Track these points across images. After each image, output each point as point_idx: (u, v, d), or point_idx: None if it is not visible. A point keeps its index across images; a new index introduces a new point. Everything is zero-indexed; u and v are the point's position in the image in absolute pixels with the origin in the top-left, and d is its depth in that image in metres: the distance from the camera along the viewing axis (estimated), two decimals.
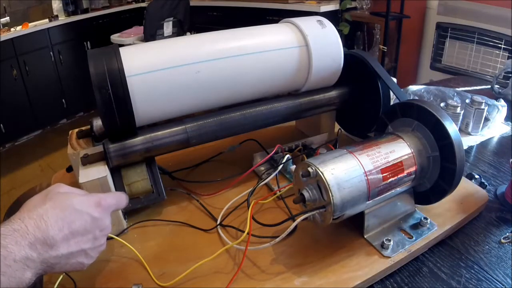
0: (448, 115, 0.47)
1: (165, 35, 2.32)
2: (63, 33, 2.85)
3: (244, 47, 0.55)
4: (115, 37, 2.57)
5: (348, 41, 2.53)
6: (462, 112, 0.77)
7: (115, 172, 0.52)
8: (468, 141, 0.77)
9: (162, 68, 0.50)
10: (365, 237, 0.49)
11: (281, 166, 0.59)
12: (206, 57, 0.52)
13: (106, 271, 0.46)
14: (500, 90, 0.99)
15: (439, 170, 0.48)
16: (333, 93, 0.65)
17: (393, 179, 0.46)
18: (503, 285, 0.43)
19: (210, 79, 0.53)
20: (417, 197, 0.53)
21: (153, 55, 0.51)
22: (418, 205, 0.53)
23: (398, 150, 0.48)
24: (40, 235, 0.32)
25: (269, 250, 0.48)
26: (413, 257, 0.48)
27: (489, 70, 1.90)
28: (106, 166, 0.49)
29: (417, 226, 0.50)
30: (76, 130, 0.58)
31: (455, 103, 0.77)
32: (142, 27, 2.29)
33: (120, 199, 0.44)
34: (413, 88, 0.91)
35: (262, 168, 0.63)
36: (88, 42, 3.02)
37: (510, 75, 0.97)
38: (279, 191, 0.57)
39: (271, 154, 0.60)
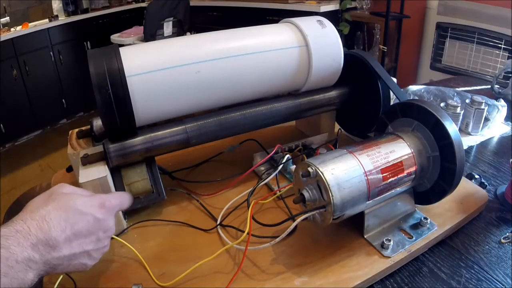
0: (448, 115, 0.47)
1: (165, 35, 2.32)
2: (63, 33, 2.85)
3: (244, 47, 0.55)
4: (115, 37, 2.57)
5: (348, 41, 2.53)
6: (462, 112, 0.77)
7: (115, 172, 0.52)
8: (468, 141, 0.77)
9: (162, 68, 0.50)
10: (365, 237, 0.49)
11: (281, 166, 0.59)
12: (206, 57, 0.52)
13: (106, 271, 0.46)
14: (500, 90, 0.99)
15: (439, 170, 0.48)
16: (333, 93, 0.65)
17: (393, 179, 0.46)
18: (503, 285, 0.43)
19: (210, 79, 0.53)
20: (417, 197, 0.53)
21: (153, 55, 0.51)
22: (418, 205, 0.53)
23: (398, 150, 0.48)
24: (42, 236, 0.32)
25: (269, 250, 0.48)
26: (413, 257, 0.48)
27: (489, 70, 1.90)
28: (106, 166, 0.49)
29: (417, 226, 0.50)
30: (76, 130, 0.58)
31: (455, 103, 0.77)
32: (142, 27, 2.29)
33: (123, 200, 0.44)
34: (413, 88, 0.91)
35: (262, 168, 0.63)
36: (88, 42, 3.02)
37: (510, 75, 0.97)
38: (279, 191, 0.57)
39: (271, 154, 0.60)
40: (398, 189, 0.48)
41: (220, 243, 0.50)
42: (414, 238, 0.48)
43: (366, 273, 0.44)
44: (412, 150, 0.48)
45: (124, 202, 0.44)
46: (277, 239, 0.44)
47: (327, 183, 0.41)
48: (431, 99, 0.86)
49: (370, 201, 0.45)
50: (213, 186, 0.60)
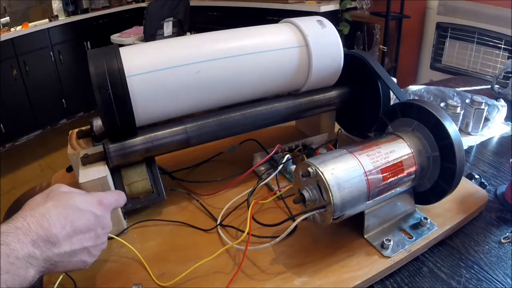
0: (448, 115, 0.48)
1: (165, 35, 2.32)
2: (63, 33, 2.85)
3: (244, 47, 0.55)
4: (115, 37, 2.57)
5: (348, 41, 2.53)
6: (462, 112, 0.77)
7: (115, 172, 0.52)
8: (468, 141, 0.77)
9: (162, 68, 0.50)
10: (365, 237, 0.49)
11: (281, 166, 0.59)
12: (206, 57, 0.52)
13: (106, 271, 0.46)
14: (500, 90, 0.99)
15: (439, 170, 0.48)
16: (333, 93, 0.65)
17: (393, 179, 0.46)
18: (503, 285, 0.43)
19: (210, 79, 0.53)
20: (417, 197, 0.53)
21: (153, 55, 0.51)
22: (418, 205, 0.53)
23: (398, 150, 0.48)
24: (42, 233, 0.32)
25: (269, 250, 0.48)
26: (413, 257, 0.48)
27: (489, 70, 1.90)
28: (106, 166, 0.49)
29: (417, 226, 0.50)
30: (76, 130, 0.58)
31: (455, 103, 0.77)
32: (142, 27, 2.29)
33: (119, 197, 0.44)
34: (413, 88, 0.91)
35: (262, 168, 0.63)
36: (88, 42, 3.02)
37: (510, 75, 0.97)
38: (279, 191, 0.57)
39: (271, 154, 0.60)
40: (398, 189, 0.48)
41: (220, 243, 0.50)
42: (414, 238, 0.48)
43: (366, 273, 0.44)
44: (412, 150, 0.48)
45: (120, 200, 0.44)
46: (277, 239, 0.44)
47: (327, 183, 0.41)
48: (431, 99, 0.86)
49: (370, 201, 0.45)
50: (213, 186, 0.60)
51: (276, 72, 0.57)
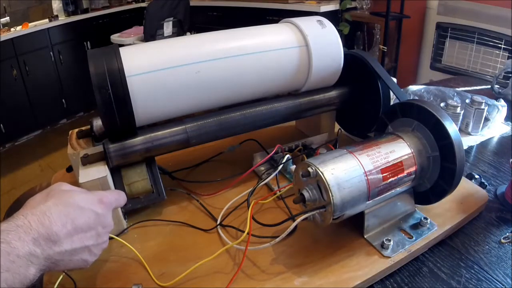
0: (448, 115, 0.48)
1: (165, 35, 2.32)
2: (63, 33, 2.85)
3: (244, 47, 0.55)
4: (115, 37, 2.57)
5: (348, 41, 2.53)
6: (462, 112, 0.77)
7: (115, 172, 0.52)
8: (468, 141, 0.77)
9: (162, 68, 0.50)
10: (365, 237, 0.49)
11: (281, 166, 0.59)
12: (206, 57, 0.52)
13: (106, 271, 0.46)
14: (500, 90, 0.99)
15: (439, 170, 0.48)
16: (333, 93, 0.65)
17: (393, 179, 0.46)
18: (503, 285, 0.43)
19: (210, 79, 0.53)
20: (417, 197, 0.53)
21: (153, 55, 0.51)
22: (418, 205, 0.53)
23: (398, 150, 0.48)
24: (43, 231, 0.32)
25: (269, 250, 0.48)
26: (413, 257, 0.48)
27: (489, 70, 1.90)
28: (106, 166, 0.49)
29: (417, 226, 0.50)
30: (76, 130, 0.58)
31: (455, 103, 0.77)
32: (142, 27, 2.29)
33: (119, 197, 0.44)
34: (413, 88, 0.91)
35: (262, 168, 0.63)
36: (88, 42, 3.02)
37: (510, 75, 0.97)
38: (279, 191, 0.57)
39: (271, 154, 0.60)
40: (398, 189, 0.48)
41: (220, 243, 0.50)
42: (414, 238, 0.48)
43: (366, 273, 0.44)
44: (412, 150, 0.48)
45: (121, 199, 0.44)
46: (277, 239, 0.44)
47: (327, 183, 0.41)
48: (431, 99, 0.86)
49: (370, 201, 0.45)
50: (213, 186, 0.60)
51: (276, 72, 0.57)
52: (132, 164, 0.54)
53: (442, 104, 0.79)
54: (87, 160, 0.49)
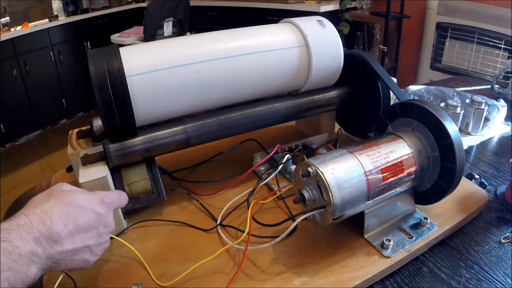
0: (448, 115, 0.48)
1: (165, 35, 2.32)
2: (63, 33, 2.85)
3: (244, 47, 0.55)
4: (115, 37, 2.57)
5: (348, 41, 2.53)
6: (462, 112, 0.77)
7: (115, 172, 0.52)
8: (468, 141, 0.77)
9: (162, 68, 0.50)
10: (365, 237, 0.49)
11: (281, 166, 0.59)
12: (206, 57, 0.52)
13: (106, 271, 0.46)
14: (500, 90, 0.99)
15: (439, 170, 0.48)
16: (333, 93, 0.65)
17: (393, 179, 0.46)
18: (503, 285, 0.43)
19: (210, 79, 0.53)
20: (417, 197, 0.53)
21: (153, 55, 0.51)
22: (418, 205, 0.53)
23: (398, 150, 0.48)
24: (45, 230, 0.32)
25: (269, 250, 0.48)
26: (413, 257, 0.48)
27: (489, 70, 1.90)
28: (106, 166, 0.49)
29: (417, 226, 0.50)
30: (76, 130, 0.58)
31: (455, 103, 0.77)
32: (142, 27, 2.29)
33: (121, 197, 0.44)
34: (413, 88, 0.91)
35: (262, 168, 0.63)
36: (88, 42, 3.02)
37: (510, 75, 0.97)
38: (279, 191, 0.57)
39: (271, 154, 0.60)
40: (398, 189, 0.48)
41: (220, 243, 0.50)
42: (414, 238, 0.48)
43: (366, 273, 0.44)
44: (412, 150, 0.48)
45: (122, 200, 0.44)
46: (277, 239, 0.44)
47: (327, 183, 0.41)
48: (431, 99, 0.86)
49: (370, 201, 0.45)
50: (213, 186, 0.60)
51: (276, 72, 0.57)
52: (132, 164, 0.54)
53: (442, 104, 0.79)
54: (87, 160, 0.49)
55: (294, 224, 0.44)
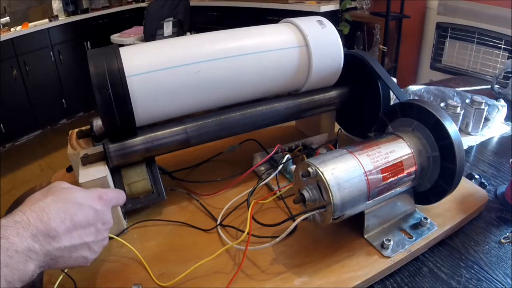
0: (448, 115, 0.48)
1: (165, 35, 2.32)
2: (63, 33, 2.85)
3: (244, 47, 0.55)
4: (115, 37, 2.57)
5: (348, 41, 2.53)
6: (462, 112, 0.77)
7: (115, 172, 0.52)
8: (468, 141, 0.77)
9: (162, 68, 0.50)
10: (365, 237, 0.49)
11: (281, 166, 0.59)
12: (206, 57, 0.52)
13: (106, 271, 0.46)
14: (500, 90, 0.99)
15: (439, 170, 0.48)
16: (333, 93, 0.65)
17: (393, 179, 0.46)
18: (503, 285, 0.43)
19: (210, 79, 0.53)
20: (417, 197, 0.52)
21: (153, 55, 0.51)
22: (418, 205, 0.53)
23: (398, 150, 0.48)
24: (42, 227, 0.32)
25: (269, 250, 0.48)
26: (413, 257, 0.48)
27: (489, 70, 1.90)
28: (106, 166, 0.49)
29: (417, 226, 0.50)
30: (76, 130, 0.58)
31: (455, 103, 0.77)
32: (142, 27, 2.29)
33: (119, 195, 0.44)
34: (413, 88, 0.91)
35: (262, 168, 0.63)
36: (88, 42, 3.02)
37: (510, 75, 0.97)
38: (279, 191, 0.57)
39: (271, 154, 0.60)
40: (398, 189, 0.48)
41: (220, 243, 0.50)
42: (414, 238, 0.48)
43: (366, 273, 0.44)
44: (412, 150, 0.48)
45: (120, 198, 0.44)
46: (277, 239, 0.44)
47: (327, 183, 0.41)
48: (431, 99, 0.86)
49: (370, 201, 0.45)
50: (213, 186, 0.60)
51: (276, 72, 0.57)
52: (132, 164, 0.54)
53: (442, 104, 0.79)
54: (87, 160, 0.49)
55: (294, 224, 0.44)
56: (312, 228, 0.51)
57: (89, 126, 0.56)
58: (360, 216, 0.48)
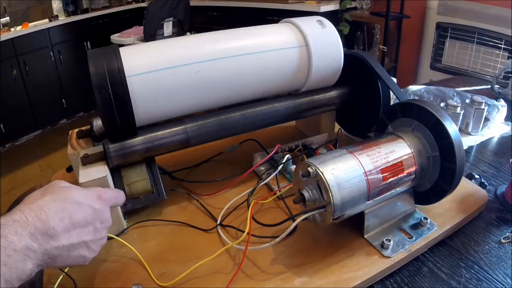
0: (448, 115, 0.48)
1: (165, 35, 2.32)
2: (63, 33, 2.85)
3: (244, 47, 0.55)
4: (115, 37, 2.57)
5: (348, 41, 2.53)
6: (462, 112, 0.77)
7: (115, 172, 0.52)
8: (468, 141, 0.77)
9: (162, 68, 0.50)
10: (365, 237, 0.49)
11: (281, 166, 0.59)
12: (206, 57, 0.52)
13: (106, 271, 0.46)
14: (500, 90, 0.99)
15: (439, 170, 0.48)
16: (333, 93, 0.65)
17: (393, 179, 0.46)
18: (503, 285, 0.43)
19: (210, 79, 0.53)
20: (417, 197, 0.52)
21: (153, 55, 0.51)
22: (418, 205, 0.53)
23: (398, 150, 0.48)
24: (40, 225, 0.32)
25: (269, 250, 0.48)
26: (413, 257, 0.48)
27: (489, 70, 1.90)
28: (106, 166, 0.49)
29: (417, 226, 0.50)
30: (76, 130, 0.58)
31: (455, 103, 0.77)
32: (142, 27, 2.29)
33: (118, 195, 0.44)
34: (413, 88, 0.91)
35: (262, 168, 0.63)
36: (88, 42, 3.02)
37: (510, 75, 0.97)
38: (279, 191, 0.57)
39: (271, 154, 0.60)
40: (398, 189, 0.48)
41: (220, 243, 0.50)
42: (414, 238, 0.48)
43: (366, 273, 0.44)
44: (412, 150, 0.48)
45: (119, 198, 0.44)
46: (277, 239, 0.44)
47: (327, 183, 0.41)
48: (431, 99, 0.86)
49: (370, 201, 0.45)
50: (213, 186, 0.60)
51: (276, 72, 0.57)
52: (132, 164, 0.54)
53: (442, 104, 0.79)
54: (87, 160, 0.49)
55: (294, 224, 0.44)
56: (312, 228, 0.51)
57: (89, 126, 0.56)
58: (360, 216, 0.48)
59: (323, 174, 0.42)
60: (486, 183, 0.62)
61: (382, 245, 0.47)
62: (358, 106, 0.66)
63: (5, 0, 2.63)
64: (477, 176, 0.63)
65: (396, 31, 2.35)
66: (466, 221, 0.53)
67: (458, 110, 0.77)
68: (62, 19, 2.87)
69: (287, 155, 0.60)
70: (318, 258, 0.47)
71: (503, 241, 0.50)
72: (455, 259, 0.48)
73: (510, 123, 0.83)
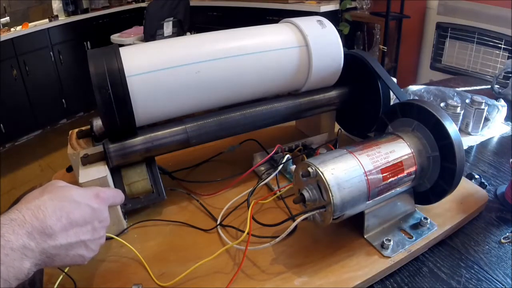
0: (448, 115, 0.48)
1: (165, 35, 2.32)
2: (63, 33, 2.85)
3: (244, 47, 0.55)
4: (115, 37, 2.57)
5: (348, 41, 2.53)
6: (462, 112, 0.77)
7: (115, 172, 0.52)
8: (468, 141, 0.77)
9: (162, 68, 0.50)
10: (365, 237, 0.49)
11: (281, 166, 0.59)
12: (206, 57, 0.52)
13: (106, 271, 0.46)
14: (500, 90, 0.99)
15: (439, 170, 0.48)
16: (333, 93, 0.65)
17: (393, 179, 0.46)
18: (503, 285, 0.43)
19: (210, 79, 0.53)
20: (417, 197, 0.52)
21: (153, 55, 0.51)
22: (418, 205, 0.53)
23: (398, 150, 0.48)
24: (37, 224, 0.32)
25: (269, 250, 0.48)
26: (413, 257, 0.48)
27: (489, 70, 1.90)
28: (106, 166, 0.49)
29: (417, 226, 0.50)
30: (76, 130, 0.58)
31: (455, 103, 0.77)
32: (142, 27, 2.29)
33: (117, 194, 0.44)
34: (413, 88, 0.91)
35: (262, 168, 0.63)
36: (88, 42, 3.02)
37: (510, 75, 0.97)
38: (279, 191, 0.57)
39: (271, 154, 0.60)
40: (398, 189, 0.48)
41: (220, 243, 0.50)
42: (414, 238, 0.48)
43: (366, 273, 0.44)
44: (412, 150, 0.48)
45: (118, 197, 0.44)
46: (277, 239, 0.44)
47: (327, 183, 0.41)
48: (431, 99, 0.86)
49: (370, 201, 0.45)
50: (213, 186, 0.60)
51: (276, 72, 0.57)
52: (132, 164, 0.54)
53: (442, 104, 0.79)
54: (87, 160, 0.49)
55: (294, 224, 0.44)
56: (312, 228, 0.51)
57: (89, 126, 0.56)
58: (360, 216, 0.48)
59: (323, 174, 0.42)
60: (486, 183, 0.62)
61: (382, 245, 0.47)
62: (358, 106, 0.66)
63: (5, 0, 2.63)
64: (477, 176, 0.63)
65: (396, 31, 2.35)
66: (466, 221, 0.53)
67: (458, 110, 0.77)
68: (62, 19, 2.87)
69: (287, 155, 0.60)
70: (318, 258, 0.47)
71: (503, 241, 0.50)
72: (455, 259, 0.48)
73: (510, 123, 0.83)
